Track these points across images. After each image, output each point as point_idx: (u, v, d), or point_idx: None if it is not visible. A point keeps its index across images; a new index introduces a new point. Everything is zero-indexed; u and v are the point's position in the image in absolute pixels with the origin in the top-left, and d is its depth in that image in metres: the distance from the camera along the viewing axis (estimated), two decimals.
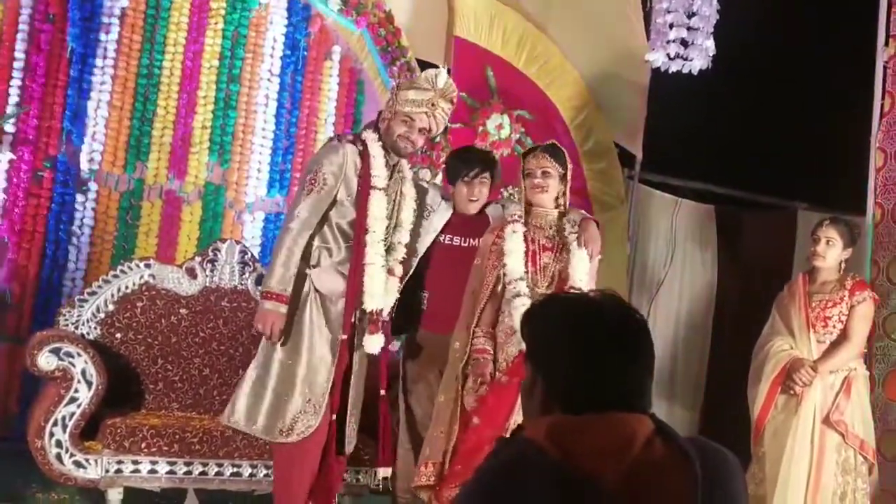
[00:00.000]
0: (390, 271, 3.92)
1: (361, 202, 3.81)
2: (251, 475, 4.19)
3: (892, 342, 5.17)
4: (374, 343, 3.85)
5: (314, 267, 3.83)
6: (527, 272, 3.96)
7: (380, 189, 3.86)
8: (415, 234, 4.10)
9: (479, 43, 6.58)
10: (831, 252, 4.53)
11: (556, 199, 4.04)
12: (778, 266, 7.00)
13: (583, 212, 4.19)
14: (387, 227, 3.91)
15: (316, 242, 3.84)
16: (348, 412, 3.89)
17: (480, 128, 6.56)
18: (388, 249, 3.94)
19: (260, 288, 3.87)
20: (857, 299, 4.49)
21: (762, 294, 5.62)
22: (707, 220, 7.51)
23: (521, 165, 4.05)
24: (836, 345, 4.48)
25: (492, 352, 3.97)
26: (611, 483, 1.42)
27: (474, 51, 6.57)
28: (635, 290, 7.15)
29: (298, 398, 3.77)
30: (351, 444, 3.94)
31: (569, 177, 4.04)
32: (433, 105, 3.90)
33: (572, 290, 3.89)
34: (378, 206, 3.84)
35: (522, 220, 4.03)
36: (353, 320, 3.84)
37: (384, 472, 3.99)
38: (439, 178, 6.36)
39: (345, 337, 3.80)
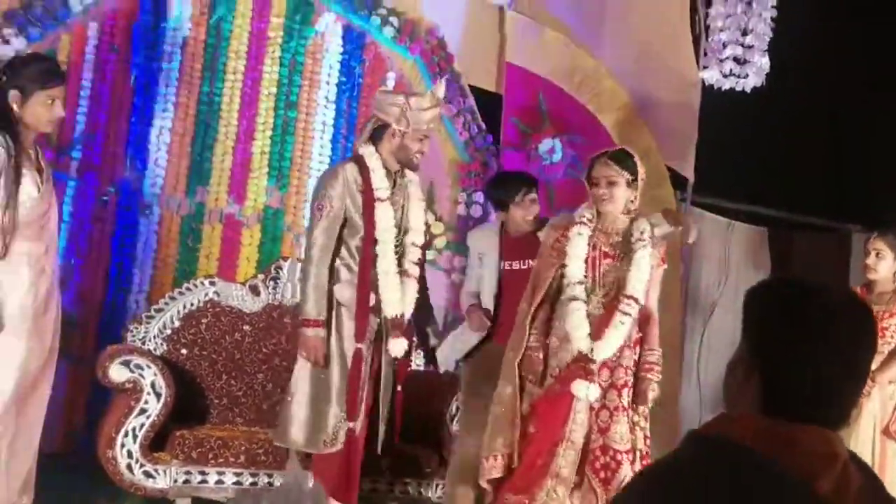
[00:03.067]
0: (406, 273, 4.02)
1: (367, 215, 3.95)
2: (252, 483, 4.24)
3: None
4: (397, 346, 3.96)
5: (335, 283, 3.96)
6: (586, 277, 3.96)
7: (384, 200, 3.98)
8: (427, 233, 4.25)
9: (530, 68, 6.67)
10: (882, 264, 4.54)
11: (626, 205, 4.00)
12: None
13: (658, 215, 4.16)
14: (398, 233, 4.04)
15: (336, 262, 3.98)
16: (380, 417, 3.99)
17: (532, 152, 6.62)
18: (404, 254, 4.06)
19: (299, 315, 3.99)
20: None
21: None
22: (760, 242, 7.51)
23: (588, 171, 4.02)
24: (893, 354, 4.46)
25: (541, 350, 3.97)
26: (825, 489, 1.39)
27: (526, 76, 6.65)
28: (689, 313, 7.15)
29: (336, 407, 3.86)
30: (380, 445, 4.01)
31: (640, 182, 4.01)
32: (440, 120, 4.06)
33: (628, 299, 3.90)
34: (384, 216, 3.97)
35: (590, 224, 4.01)
36: (367, 328, 3.93)
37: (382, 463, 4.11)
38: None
39: (360, 346, 3.89)
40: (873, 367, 4.42)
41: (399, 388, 4.05)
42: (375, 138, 4.08)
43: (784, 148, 6.79)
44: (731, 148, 6.69)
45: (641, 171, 3.97)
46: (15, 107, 3.47)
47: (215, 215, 5.91)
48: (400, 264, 4.01)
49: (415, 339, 4.28)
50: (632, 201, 3.97)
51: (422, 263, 4.15)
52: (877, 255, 4.52)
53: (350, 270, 3.96)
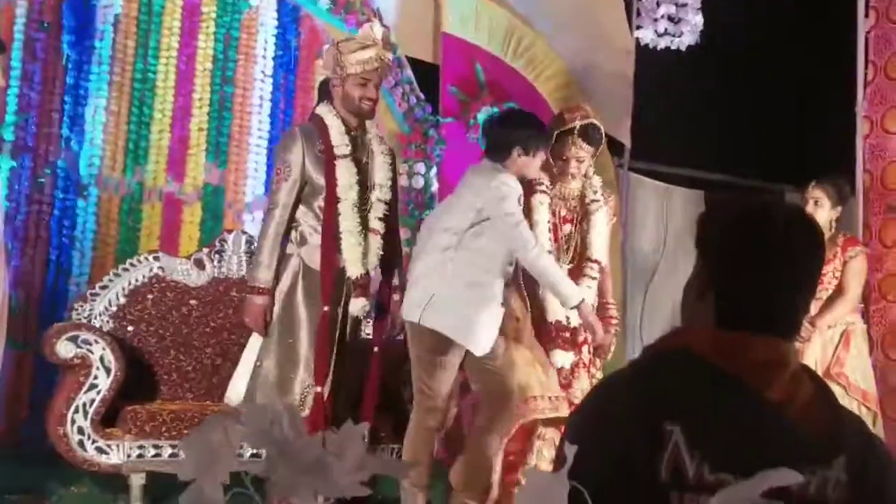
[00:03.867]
0: (372, 231, 3.94)
1: (328, 173, 3.86)
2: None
3: (888, 304, 5.28)
4: (358, 306, 3.90)
5: (301, 245, 3.89)
6: (553, 245, 3.98)
7: (344, 157, 3.89)
8: (395, 188, 4.12)
9: (466, 38, 6.68)
10: (820, 213, 4.65)
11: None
12: None
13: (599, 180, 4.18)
14: (363, 191, 3.94)
15: (299, 224, 3.91)
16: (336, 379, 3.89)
17: (472, 121, 6.64)
18: (368, 210, 3.96)
19: (247, 279, 3.94)
20: (850, 254, 4.60)
21: None
22: (697, 206, 7.61)
23: (552, 141, 3.98)
24: (831, 300, 4.58)
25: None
26: (775, 396, 1.43)
27: (462, 46, 6.67)
28: (630, 277, 7.24)
29: (304, 373, 3.81)
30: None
31: (598, 151, 4.03)
32: (381, 59, 3.94)
33: (592, 263, 3.95)
34: (345, 173, 3.88)
35: (549, 191, 4.02)
36: (333, 290, 3.84)
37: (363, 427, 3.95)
38: (433, 172, 6.46)
39: (326, 308, 3.82)
40: (813, 312, 4.56)
41: (376, 349, 4.00)
42: (325, 96, 4.02)
43: (718, 109, 6.90)
44: (667, 111, 6.78)
45: (604, 139, 4.03)
46: None
47: (155, 194, 5.84)
48: (366, 222, 3.93)
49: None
50: (590, 166, 4.03)
51: (389, 218, 4.03)
52: (815, 203, 4.63)
53: (317, 232, 3.89)
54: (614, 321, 4.03)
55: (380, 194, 4.00)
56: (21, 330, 5.40)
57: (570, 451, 1.15)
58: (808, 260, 1.54)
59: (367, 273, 3.92)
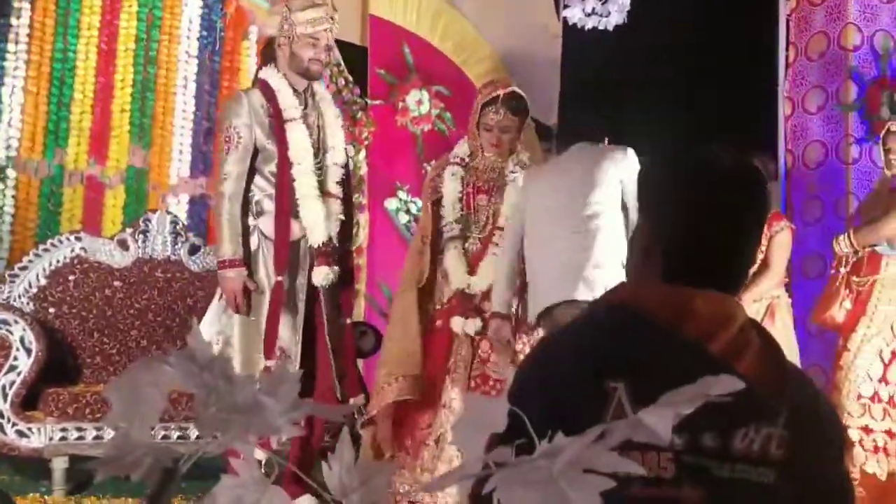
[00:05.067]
0: (328, 194, 3.77)
1: (279, 137, 3.69)
2: (198, 437, 4.14)
3: (809, 281, 5.38)
4: (322, 275, 3.69)
5: (259, 216, 3.70)
6: (462, 214, 4.01)
7: (294, 120, 3.72)
8: (346, 151, 3.98)
9: (394, 20, 6.65)
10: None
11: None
12: None
13: (526, 155, 4.19)
14: (317, 154, 3.78)
15: (254, 194, 3.71)
16: (318, 358, 3.73)
17: (400, 104, 6.60)
18: (324, 174, 3.78)
19: (217, 259, 3.69)
20: (775, 229, 4.67)
21: None
22: None
23: (478, 114, 3.98)
24: (757, 274, 4.64)
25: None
26: (718, 348, 1.41)
27: (390, 28, 6.63)
28: None
29: None
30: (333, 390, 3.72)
31: (526, 122, 4.06)
32: (332, 18, 3.82)
33: (500, 230, 3.97)
34: (297, 136, 3.70)
35: (462, 163, 4.06)
36: (287, 259, 3.67)
37: (356, 400, 3.82)
38: (362, 155, 6.42)
39: (279, 279, 3.64)
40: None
41: (348, 321, 3.83)
42: (271, 58, 3.82)
43: (644, 89, 6.97)
44: (595, 95, 6.82)
45: (529, 109, 4.04)
46: None
47: (76, 177, 5.70)
48: (323, 186, 3.75)
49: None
50: (515, 139, 4.03)
51: (346, 183, 3.89)
52: None
53: (272, 200, 3.69)
54: None
55: (334, 157, 3.82)
56: None
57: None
58: (751, 212, 1.53)
59: (331, 239, 3.72)
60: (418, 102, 6.68)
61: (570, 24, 5.32)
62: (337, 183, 3.82)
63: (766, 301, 4.66)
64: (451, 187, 4.03)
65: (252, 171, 3.71)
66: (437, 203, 4.08)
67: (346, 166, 3.91)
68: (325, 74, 3.85)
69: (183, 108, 5.99)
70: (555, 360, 1.48)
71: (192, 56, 6.05)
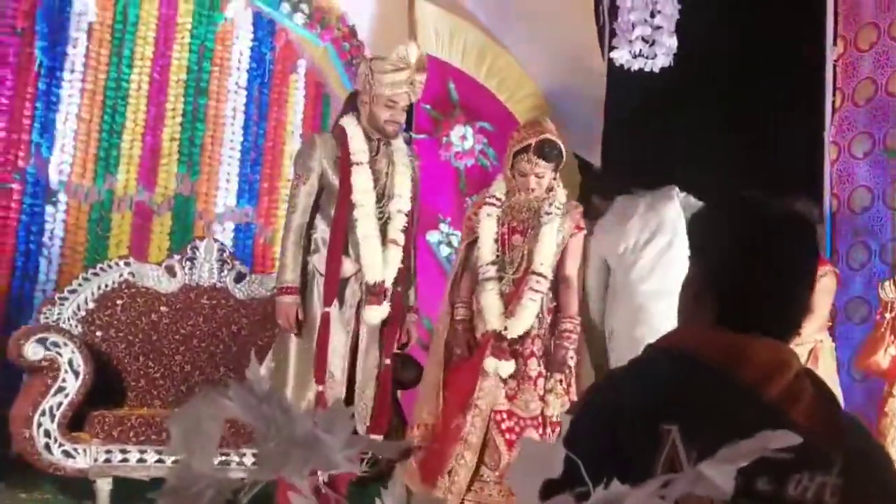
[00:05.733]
0: (392, 241, 3.88)
1: (343, 178, 3.82)
2: (239, 463, 4.18)
3: (854, 326, 5.34)
4: (373, 314, 3.81)
5: (314, 253, 3.85)
6: (498, 256, 4.03)
7: (361, 164, 3.84)
8: (415, 201, 4.05)
9: (440, 56, 6.72)
10: None
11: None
12: None
13: (564, 194, 4.20)
14: (381, 200, 3.89)
15: (314, 233, 3.87)
16: (357, 389, 3.83)
17: (444, 139, 6.67)
18: (387, 220, 3.89)
19: (276, 285, 3.88)
20: (819, 274, 4.63)
21: None
22: None
23: (512, 160, 4.01)
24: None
25: (470, 322, 4.03)
26: (773, 394, 1.42)
27: (436, 64, 6.69)
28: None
29: None
30: (364, 423, 3.81)
31: (561, 164, 4.08)
32: (412, 83, 3.88)
33: (536, 276, 3.97)
34: (361, 179, 3.82)
35: (499, 204, 4.08)
36: (335, 292, 3.79)
37: (408, 443, 3.93)
38: None
39: (327, 310, 3.77)
40: None
41: (387, 360, 3.89)
42: (353, 107, 3.96)
43: (689, 132, 6.97)
44: (640, 132, 6.85)
45: (564, 155, 4.07)
46: None
47: (125, 203, 5.81)
48: (385, 232, 3.87)
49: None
50: (552, 179, 4.06)
51: (407, 231, 3.97)
52: None
53: (325, 240, 3.85)
54: (573, 336, 4.00)
55: (399, 205, 3.93)
56: None
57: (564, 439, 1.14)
58: (802, 258, 1.55)
59: (384, 281, 3.83)
60: (462, 138, 6.74)
61: (616, 65, 5.35)
62: (400, 230, 3.92)
63: (809, 345, 4.63)
64: (487, 227, 4.05)
65: (315, 209, 3.88)
66: (471, 244, 4.13)
67: (409, 214, 3.98)
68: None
69: (231, 138, 6.09)
70: (610, 405, 1.47)
71: (242, 87, 6.16)
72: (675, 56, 5.33)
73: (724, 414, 1.39)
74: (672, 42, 5.10)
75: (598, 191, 4.88)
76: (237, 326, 4.80)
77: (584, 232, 4.15)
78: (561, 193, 4.09)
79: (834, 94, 5.61)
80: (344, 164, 3.83)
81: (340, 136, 3.89)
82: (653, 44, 5.12)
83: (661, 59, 5.10)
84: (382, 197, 3.90)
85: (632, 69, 5.24)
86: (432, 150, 6.59)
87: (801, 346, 4.61)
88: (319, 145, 3.87)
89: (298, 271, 3.80)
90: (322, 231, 3.87)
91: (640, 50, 5.14)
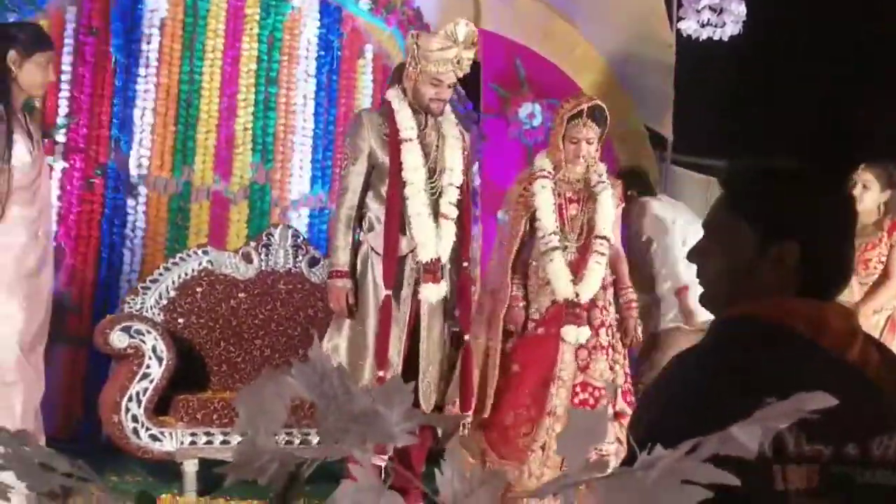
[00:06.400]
0: (443, 215, 3.82)
1: (392, 155, 3.78)
2: (302, 441, 4.29)
3: None
4: (430, 293, 3.76)
5: (369, 230, 3.83)
6: (558, 226, 4.10)
7: (410, 140, 3.79)
8: (468, 173, 4.03)
9: (506, 34, 6.73)
10: (868, 195, 4.62)
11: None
12: None
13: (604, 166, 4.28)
14: (433, 174, 3.85)
15: (367, 209, 3.85)
16: (421, 369, 3.78)
17: (513, 116, 6.70)
18: (440, 194, 3.85)
19: (328, 268, 3.89)
20: None
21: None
22: None
23: (562, 127, 4.11)
24: (877, 285, 4.55)
25: (523, 300, 4.10)
26: (853, 358, 1.46)
27: (502, 42, 6.71)
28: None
29: (373, 360, 3.73)
30: (429, 401, 3.80)
31: (605, 133, 4.16)
32: (458, 61, 3.82)
33: (600, 239, 4.04)
34: (411, 156, 3.78)
35: (550, 175, 4.15)
36: (394, 274, 3.75)
37: (463, 416, 3.87)
38: (475, 168, 6.51)
39: (388, 292, 3.72)
40: (857, 297, 4.54)
41: (466, 337, 3.85)
42: (398, 81, 3.91)
43: (761, 100, 6.88)
44: (709, 103, 6.77)
45: (609, 121, 4.14)
46: (13, 67, 3.51)
47: (202, 193, 5.95)
48: (437, 206, 3.82)
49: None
50: (597, 150, 4.13)
51: (462, 205, 3.91)
52: (864, 186, 4.60)
53: (383, 216, 3.80)
54: (634, 304, 4.14)
55: (451, 178, 3.87)
56: (75, 326, 5.54)
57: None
58: (853, 224, 1.60)
59: (439, 258, 3.78)
60: (530, 115, 6.75)
61: (684, 35, 5.28)
62: (452, 204, 3.88)
63: (887, 312, 4.56)
64: (544, 199, 4.12)
65: (366, 188, 3.85)
66: (525, 220, 4.18)
67: (461, 187, 3.94)
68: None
69: (303, 125, 6.18)
70: (694, 379, 1.48)
71: (311, 75, 6.24)
72: (744, 23, 5.26)
73: (815, 382, 1.41)
74: (741, 9, 5.04)
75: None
76: (313, 310, 4.91)
77: (623, 205, 4.28)
78: (601, 167, 4.19)
79: None
80: (393, 141, 3.79)
81: (388, 112, 3.85)
82: (721, 12, 5.06)
83: (730, 27, 5.03)
84: (433, 172, 3.86)
85: (700, 38, 5.18)
86: (501, 129, 6.62)
87: (878, 314, 4.54)
88: (367, 123, 3.83)
89: (349, 253, 3.78)
90: (375, 210, 3.83)
91: (708, 19, 5.08)
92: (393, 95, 3.89)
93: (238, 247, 5.85)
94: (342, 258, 3.77)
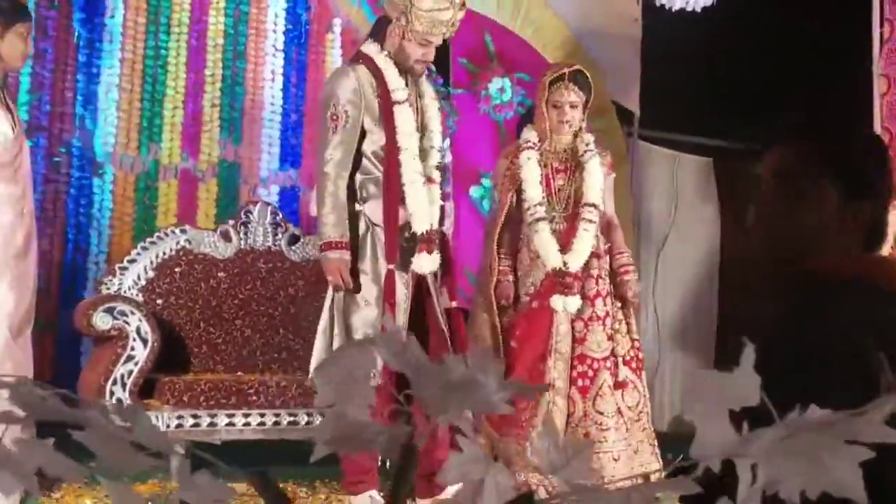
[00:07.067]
0: (430, 180, 3.66)
1: (386, 120, 3.56)
2: (308, 423, 4.22)
3: None
4: (424, 263, 3.59)
5: (364, 201, 3.61)
6: (544, 196, 4.08)
7: (402, 102, 3.58)
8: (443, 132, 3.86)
9: (475, 9, 6.65)
10: None
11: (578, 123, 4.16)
12: None
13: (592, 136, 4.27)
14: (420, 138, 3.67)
15: (358, 177, 3.61)
16: (430, 345, 3.61)
17: (483, 92, 6.63)
18: (423, 158, 3.65)
19: (318, 240, 3.66)
20: None
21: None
22: (706, 173, 7.63)
23: (545, 93, 4.09)
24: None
25: (512, 274, 4.08)
26: None
27: (471, 17, 6.58)
28: (642, 245, 7.24)
29: None
30: None
31: (590, 101, 4.15)
32: (453, 24, 3.67)
33: (588, 206, 4.03)
34: (404, 120, 3.58)
35: (536, 146, 4.13)
36: (398, 246, 3.58)
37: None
38: (446, 144, 6.45)
39: (391, 267, 3.53)
40: None
41: (454, 303, 3.69)
42: (377, 34, 3.69)
43: (726, 75, 6.91)
44: (675, 80, 6.78)
45: (593, 90, 4.14)
46: None
47: (170, 171, 5.80)
48: (425, 171, 3.64)
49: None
50: (582, 121, 4.12)
51: (442, 168, 3.81)
52: None
53: (378, 185, 3.59)
54: (632, 268, 4.15)
55: (433, 140, 3.72)
56: (42, 309, 5.36)
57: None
58: None
59: (432, 226, 3.60)
60: (500, 90, 6.69)
61: (658, 5, 5.26)
62: (435, 167, 3.74)
63: None
64: (530, 169, 4.12)
65: (357, 153, 3.60)
66: (513, 193, 4.16)
67: (441, 149, 3.85)
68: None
69: (271, 101, 6.06)
70: (805, 341, 1.50)
71: (279, 50, 6.11)
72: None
73: None
74: None
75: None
76: (294, 289, 4.82)
77: (614, 174, 4.26)
78: (588, 136, 4.18)
79: (882, 26, 5.51)
80: (386, 103, 3.56)
81: (372, 69, 3.59)
82: None
83: None
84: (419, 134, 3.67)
85: (672, 9, 5.17)
86: (471, 104, 6.55)
87: None
88: (354, 80, 3.56)
89: (345, 224, 3.53)
90: (367, 176, 3.60)
91: None
92: (374, 51, 3.64)
93: (207, 226, 5.74)
94: (334, 230, 3.50)
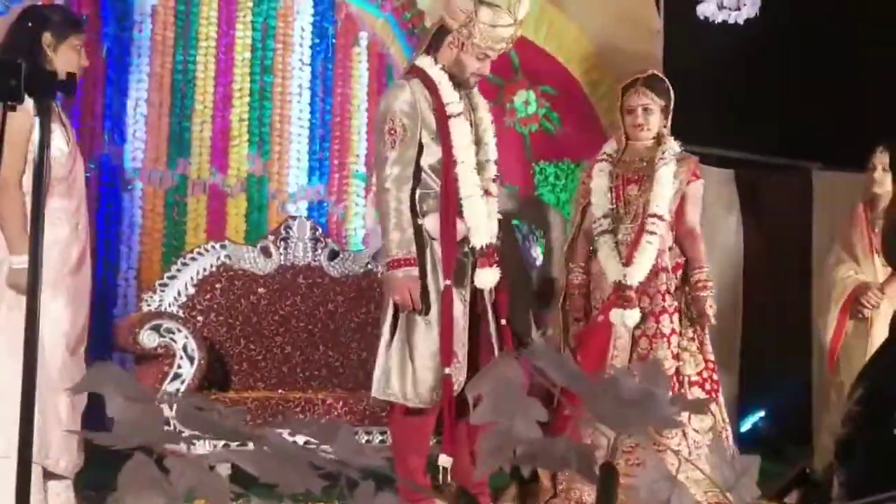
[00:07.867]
0: (487, 193, 3.59)
1: (443, 134, 3.49)
2: (367, 441, 4.14)
3: None
4: (485, 278, 3.52)
5: (424, 216, 3.53)
6: (612, 208, 4.01)
7: (457, 115, 3.52)
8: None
9: None
10: (888, 178, 4.63)
11: (659, 130, 4.08)
12: (797, 226, 7.20)
13: (678, 144, 4.17)
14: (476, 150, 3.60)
15: (418, 191, 3.53)
16: (481, 362, 3.52)
17: (508, 105, 6.61)
18: (479, 171, 3.58)
19: (384, 260, 3.57)
20: None
21: (785, 257, 5.71)
22: (727, 185, 7.60)
23: (620, 101, 4.06)
24: None
25: (585, 287, 4.03)
26: None
27: None
28: None
29: (441, 356, 3.46)
30: None
31: (671, 108, 4.07)
32: (512, 39, 3.60)
33: (651, 218, 3.93)
34: (461, 133, 3.51)
35: (610, 158, 4.07)
36: (455, 261, 3.50)
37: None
38: None
39: (448, 282, 3.46)
40: (882, 279, 4.57)
41: (503, 321, 3.58)
42: (433, 46, 3.59)
43: (749, 89, 6.90)
44: (698, 93, 6.76)
45: (672, 94, 4.04)
46: (49, 51, 3.32)
47: (199, 187, 5.75)
48: (483, 184, 3.56)
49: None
50: (664, 126, 4.03)
51: (498, 181, 3.76)
52: (883, 168, 4.61)
53: (437, 199, 3.51)
54: (710, 284, 4.01)
55: (487, 153, 3.66)
56: None
57: None
58: None
59: (492, 240, 3.54)
60: (525, 103, 6.68)
61: (701, 18, 5.24)
62: (492, 180, 3.69)
63: None
64: (598, 183, 4.08)
65: (417, 168, 3.54)
66: (586, 207, 4.12)
67: (498, 162, 3.76)
68: None
69: (299, 115, 6.02)
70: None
71: (306, 64, 6.07)
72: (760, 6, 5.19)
73: None
74: None
75: None
76: (333, 304, 4.77)
77: (702, 181, 4.14)
78: (673, 143, 4.08)
79: None
80: (440, 117, 3.49)
81: (427, 82, 3.53)
82: None
83: (746, 10, 5.00)
84: (476, 148, 3.61)
85: (715, 21, 5.12)
86: (496, 117, 6.44)
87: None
88: (410, 94, 3.50)
89: (411, 240, 3.44)
90: (425, 190, 3.54)
91: (723, 1, 5.04)
92: (427, 64, 3.57)
93: (237, 241, 5.68)
94: (400, 247, 3.42)
